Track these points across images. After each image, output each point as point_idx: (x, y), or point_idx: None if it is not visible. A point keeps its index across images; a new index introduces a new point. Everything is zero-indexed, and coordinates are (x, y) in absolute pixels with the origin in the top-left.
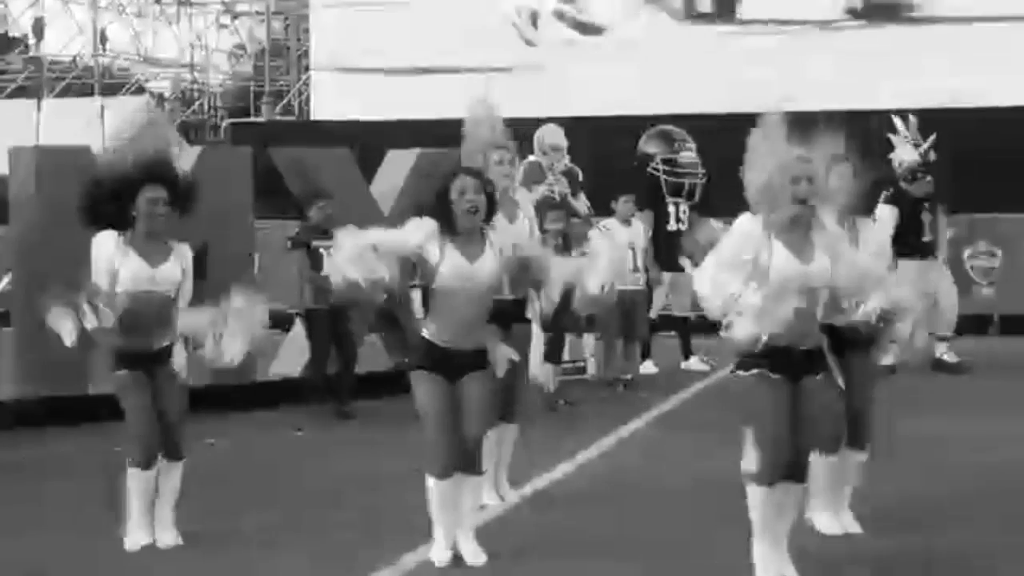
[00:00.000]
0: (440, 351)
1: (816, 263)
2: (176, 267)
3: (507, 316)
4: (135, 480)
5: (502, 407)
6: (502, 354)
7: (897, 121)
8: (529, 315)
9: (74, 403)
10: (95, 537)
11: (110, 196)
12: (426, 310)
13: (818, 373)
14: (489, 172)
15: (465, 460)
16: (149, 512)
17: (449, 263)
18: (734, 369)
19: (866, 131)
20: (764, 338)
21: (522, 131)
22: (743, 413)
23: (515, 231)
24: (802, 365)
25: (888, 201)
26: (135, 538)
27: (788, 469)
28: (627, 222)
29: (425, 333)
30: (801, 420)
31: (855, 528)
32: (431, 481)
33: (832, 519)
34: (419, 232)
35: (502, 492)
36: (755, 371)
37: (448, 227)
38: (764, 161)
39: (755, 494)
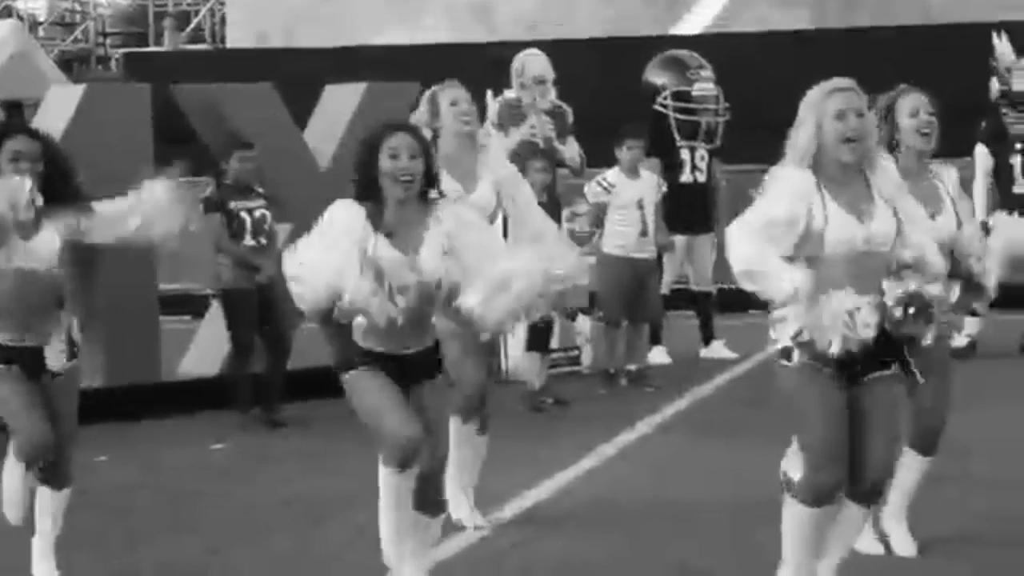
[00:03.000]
0: (379, 356)
1: (877, 222)
2: (52, 239)
3: None
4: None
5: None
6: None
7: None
8: None
9: None
10: None
11: None
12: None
13: (888, 366)
14: (442, 119)
15: (421, 496)
16: (25, 496)
17: (379, 256)
18: (778, 357)
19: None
20: (831, 350)
21: (495, 59)
22: (788, 412)
23: (474, 203)
24: (867, 356)
25: (984, 138)
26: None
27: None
28: (634, 173)
29: (358, 338)
30: (864, 425)
31: (907, 549)
32: (386, 473)
33: (870, 536)
34: (352, 227)
35: (460, 515)
36: (803, 361)
37: (375, 205)
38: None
39: (794, 513)
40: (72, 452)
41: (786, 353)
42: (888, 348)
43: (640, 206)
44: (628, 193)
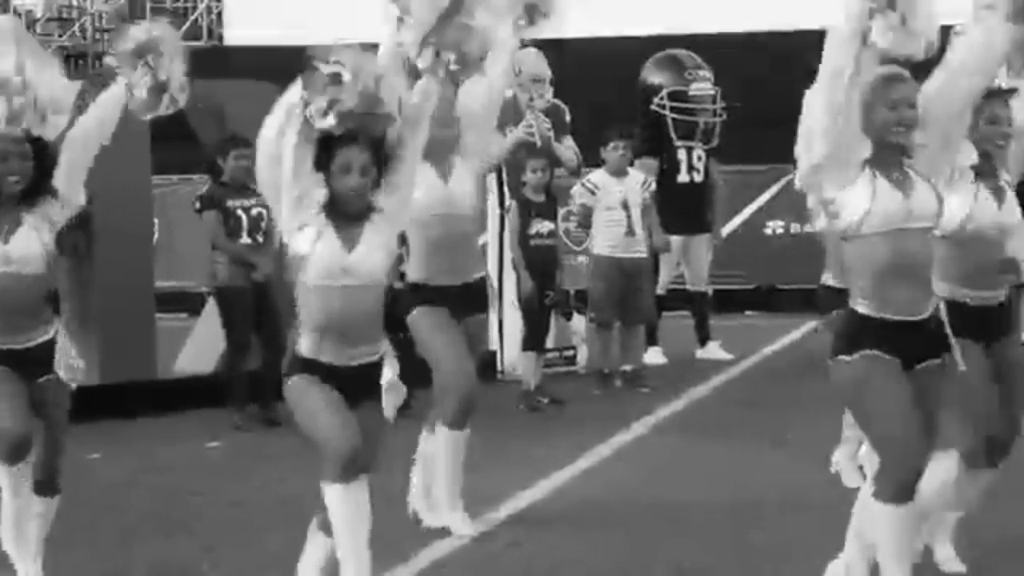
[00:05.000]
0: (323, 368)
1: (917, 197)
2: (32, 239)
3: (464, 303)
4: None
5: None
6: (392, 389)
7: None
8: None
9: None
10: None
11: None
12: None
13: (938, 355)
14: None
15: None
16: (24, 538)
17: (322, 250)
18: (833, 354)
19: None
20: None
21: None
22: (855, 411)
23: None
24: (918, 344)
25: None
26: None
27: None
28: (620, 174)
29: (301, 348)
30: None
31: (955, 566)
32: (335, 489)
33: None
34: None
35: (452, 522)
36: (862, 353)
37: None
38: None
39: (883, 515)
40: (60, 462)
41: (843, 348)
42: (938, 335)
43: (626, 206)
44: (613, 194)
